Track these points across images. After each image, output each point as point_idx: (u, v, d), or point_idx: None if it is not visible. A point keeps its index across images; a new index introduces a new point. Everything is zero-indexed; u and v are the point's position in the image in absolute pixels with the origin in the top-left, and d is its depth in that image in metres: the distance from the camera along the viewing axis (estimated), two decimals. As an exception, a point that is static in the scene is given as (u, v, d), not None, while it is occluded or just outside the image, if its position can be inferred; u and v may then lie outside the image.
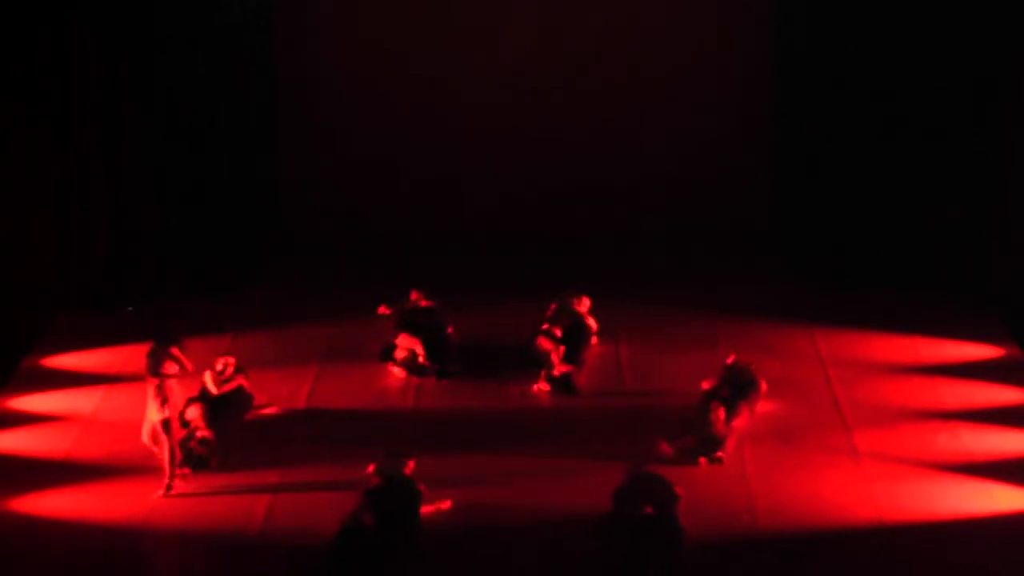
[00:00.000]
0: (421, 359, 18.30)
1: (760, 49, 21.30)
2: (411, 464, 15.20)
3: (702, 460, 16.22)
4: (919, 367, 18.33)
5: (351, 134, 21.96)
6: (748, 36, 21.48)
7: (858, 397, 17.60)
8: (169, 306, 19.93)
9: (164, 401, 15.72)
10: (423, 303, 18.68)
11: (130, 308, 19.68)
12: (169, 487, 15.78)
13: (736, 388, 16.74)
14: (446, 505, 15.33)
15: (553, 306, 18.47)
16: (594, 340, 18.42)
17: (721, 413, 16.37)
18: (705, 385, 16.89)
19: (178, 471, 15.85)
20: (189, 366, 16.09)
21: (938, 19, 19.57)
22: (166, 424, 15.71)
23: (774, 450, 16.41)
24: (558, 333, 18.05)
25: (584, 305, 18.58)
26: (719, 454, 16.24)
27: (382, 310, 18.76)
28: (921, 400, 17.52)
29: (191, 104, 20.17)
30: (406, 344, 18.41)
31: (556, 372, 17.86)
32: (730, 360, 17.21)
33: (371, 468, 15.09)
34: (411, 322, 18.47)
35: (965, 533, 14.91)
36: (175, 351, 15.95)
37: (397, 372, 18.36)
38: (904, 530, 14.97)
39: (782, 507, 15.36)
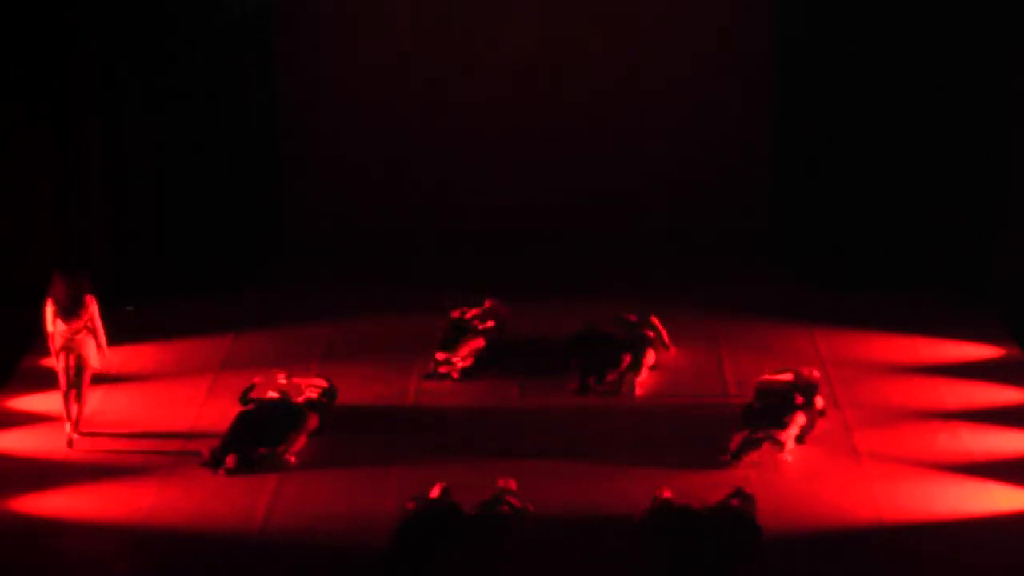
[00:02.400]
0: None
1: (760, 49, 21.30)
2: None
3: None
4: (919, 367, 18.31)
5: (351, 134, 21.95)
6: (748, 36, 21.48)
7: (858, 397, 17.57)
8: (169, 306, 20.00)
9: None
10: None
11: (130, 308, 19.66)
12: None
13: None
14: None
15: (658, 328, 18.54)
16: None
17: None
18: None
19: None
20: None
21: (938, 19, 19.56)
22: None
23: (774, 450, 16.37)
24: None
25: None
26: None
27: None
28: (921, 400, 17.49)
29: (191, 104, 20.16)
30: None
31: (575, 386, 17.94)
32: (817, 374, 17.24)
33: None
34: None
35: (965, 533, 14.87)
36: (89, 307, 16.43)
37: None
38: (904, 530, 14.94)
39: (782, 507, 15.34)
